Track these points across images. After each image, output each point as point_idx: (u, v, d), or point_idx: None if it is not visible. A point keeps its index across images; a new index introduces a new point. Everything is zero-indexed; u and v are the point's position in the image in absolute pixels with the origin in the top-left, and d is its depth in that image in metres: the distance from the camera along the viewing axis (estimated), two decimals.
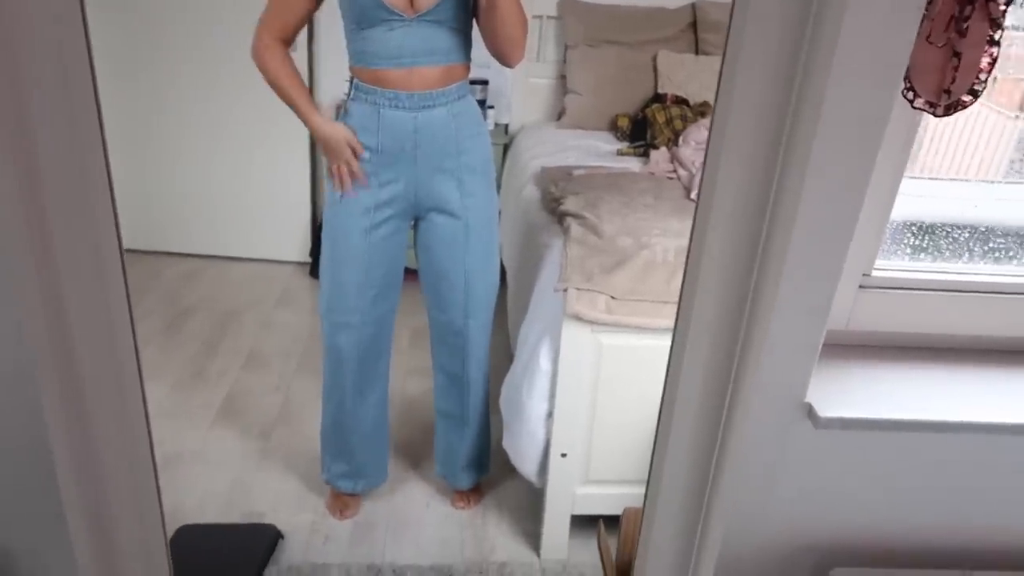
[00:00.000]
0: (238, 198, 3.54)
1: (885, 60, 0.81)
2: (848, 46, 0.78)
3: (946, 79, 0.87)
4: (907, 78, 0.89)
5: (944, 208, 1.26)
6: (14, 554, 1.05)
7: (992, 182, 1.62)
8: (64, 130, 0.83)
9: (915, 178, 1.39)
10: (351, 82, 1.85)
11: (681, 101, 3.16)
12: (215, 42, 3.26)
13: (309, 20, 1.86)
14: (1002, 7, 0.83)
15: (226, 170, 3.49)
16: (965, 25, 0.83)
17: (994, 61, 0.86)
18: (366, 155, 1.83)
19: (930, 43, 0.85)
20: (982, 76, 0.87)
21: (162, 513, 1.21)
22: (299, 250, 3.62)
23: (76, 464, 1.01)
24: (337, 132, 1.82)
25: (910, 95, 0.90)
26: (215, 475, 2.32)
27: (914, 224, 1.19)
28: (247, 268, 3.58)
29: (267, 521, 2.15)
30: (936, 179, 1.49)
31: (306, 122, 1.85)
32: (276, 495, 2.26)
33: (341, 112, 1.90)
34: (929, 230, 1.20)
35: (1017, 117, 1.82)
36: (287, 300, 3.35)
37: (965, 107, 0.89)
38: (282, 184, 3.52)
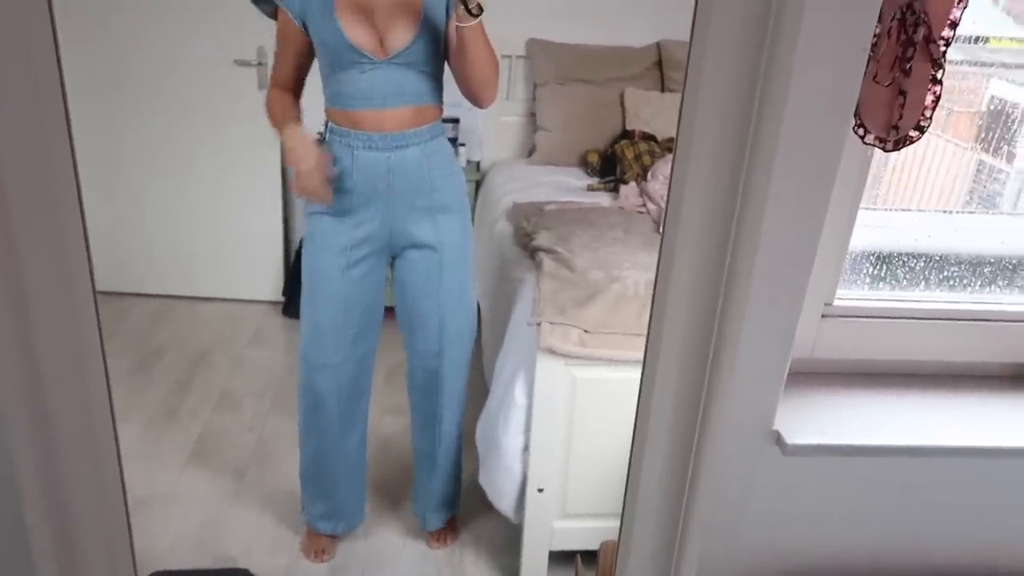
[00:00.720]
0: (208, 237, 3.53)
1: (836, 99, 0.85)
2: (800, 86, 0.82)
3: (894, 116, 0.91)
4: (857, 115, 0.93)
5: (902, 238, 1.31)
6: None
7: (949, 212, 1.68)
8: (38, 170, 0.84)
9: (873, 209, 1.44)
10: (326, 125, 1.88)
11: (649, 137, 3.23)
12: (184, 81, 3.28)
13: (306, 69, 1.91)
14: (942, 48, 0.88)
15: (196, 209, 3.48)
16: (908, 65, 0.88)
17: (937, 98, 0.90)
18: (335, 171, 1.84)
19: (877, 83, 0.90)
20: (927, 112, 0.91)
21: (133, 557, 1.20)
22: (271, 289, 3.61)
23: (46, 506, 1.00)
24: (304, 146, 1.79)
25: (861, 131, 0.94)
26: (187, 517, 2.28)
27: (873, 254, 1.23)
28: (218, 308, 3.56)
29: (240, 565, 2.12)
30: (894, 210, 1.54)
31: (280, 134, 1.86)
32: (250, 537, 2.23)
33: None
34: (887, 260, 1.24)
35: (972, 148, 1.89)
36: (260, 339, 3.33)
37: (913, 142, 0.93)
38: (254, 223, 3.52)
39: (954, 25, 0.88)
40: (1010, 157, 1.65)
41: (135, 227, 3.49)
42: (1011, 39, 1.80)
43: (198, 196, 3.46)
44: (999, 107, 1.71)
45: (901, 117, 0.92)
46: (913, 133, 0.94)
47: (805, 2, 0.79)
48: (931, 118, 0.92)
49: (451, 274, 1.95)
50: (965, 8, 0.87)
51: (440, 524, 2.22)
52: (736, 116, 0.86)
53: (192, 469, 2.49)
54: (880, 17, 0.87)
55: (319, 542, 2.18)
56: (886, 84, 0.90)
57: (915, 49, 0.87)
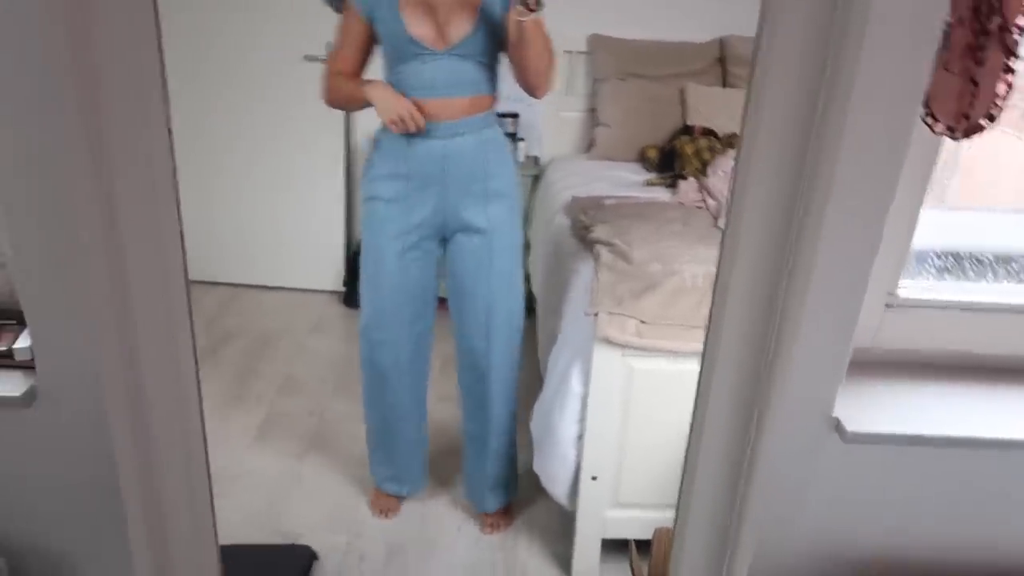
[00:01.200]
0: (273, 229, 3.64)
1: (904, 88, 0.86)
2: (868, 74, 0.83)
3: (964, 105, 0.91)
4: (927, 104, 0.93)
5: (973, 238, 1.29)
6: (76, 560, 1.10)
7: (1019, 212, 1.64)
8: (142, 171, 0.91)
9: (945, 208, 1.43)
10: None
11: (709, 133, 3.21)
12: (253, 76, 3.39)
13: (367, 61, 1.96)
14: (1016, 37, 0.87)
15: (262, 202, 3.60)
16: (981, 54, 0.88)
17: (1010, 87, 0.90)
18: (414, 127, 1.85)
19: (948, 71, 0.90)
20: (999, 102, 0.91)
21: (215, 529, 1.27)
22: (333, 279, 3.71)
23: (138, 475, 1.06)
24: (393, 92, 1.86)
25: (930, 120, 0.94)
26: (251, 497, 2.37)
27: (943, 252, 1.22)
28: (282, 296, 3.67)
29: (302, 542, 2.19)
30: (964, 210, 1.52)
31: (365, 93, 1.88)
32: (310, 517, 2.30)
33: (373, 145, 1.99)
34: (955, 255, 1.23)
35: None
36: (321, 327, 3.43)
37: (983, 131, 0.93)
38: (316, 215, 3.62)
39: None
40: None
41: (203, 217, 3.61)
42: None
43: (264, 189, 3.57)
44: None
45: (972, 106, 0.92)
46: (984, 122, 0.93)
47: None
48: (1003, 107, 0.92)
49: (501, 259, 2.02)
50: None
51: (496, 507, 2.27)
52: (802, 104, 0.87)
53: (257, 450, 2.59)
54: (953, 5, 0.87)
55: (386, 501, 2.32)
56: (957, 73, 0.90)
57: (988, 37, 0.87)
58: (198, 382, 1.08)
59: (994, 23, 0.86)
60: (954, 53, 0.89)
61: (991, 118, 0.93)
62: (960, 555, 1.15)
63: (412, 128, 1.85)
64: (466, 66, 1.86)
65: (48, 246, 0.92)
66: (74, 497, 1.05)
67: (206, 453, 1.15)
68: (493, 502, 2.26)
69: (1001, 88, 0.90)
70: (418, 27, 1.82)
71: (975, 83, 0.90)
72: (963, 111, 0.92)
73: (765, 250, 0.95)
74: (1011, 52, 0.87)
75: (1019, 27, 0.87)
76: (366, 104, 1.91)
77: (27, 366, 1.02)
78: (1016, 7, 0.85)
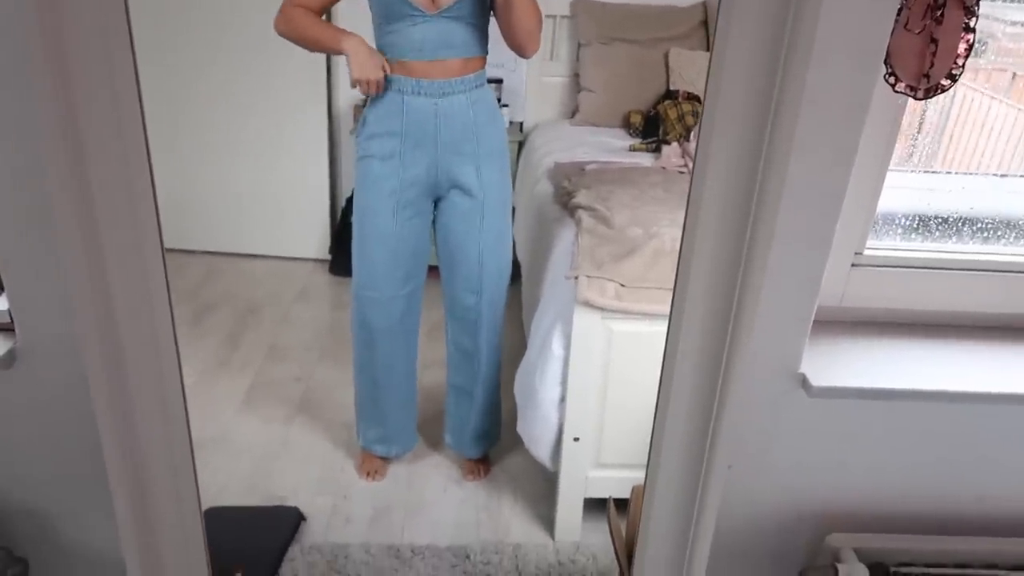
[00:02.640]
0: (258, 197, 3.63)
1: (864, 46, 0.87)
2: (827, 33, 0.84)
3: (925, 64, 0.92)
4: (888, 63, 0.95)
5: (952, 201, 1.31)
6: (58, 517, 1.13)
7: (1003, 175, 1.66)
8: (113, 141, 0.91)
9: (924, 172, 1.44)
10: None
11: (693, 97, 3.21)
12: (233, 43, 3.35)
13: (326, 8, 1.95)
14: None
15: (246, 170, 3.58)
16: (940, 13, 0.89)
17: (970, 47, 0.91)
18: (387, 77, 1.90)
19: (908, 30, 0.91)
20: (959, 61, 0.92)
21: (197, 487, 1.29)
22: (318, 247, 3.71)
23: (119, 435, 1.08)
24: (369, 49, 1.89)
25: (891, 79, 0.95)
26: (239, 460, 2.40)
27: (911, 214, 1.24)
28: (267, 265, 3.68)
29: (289, 504, 2.23)
30: (944, 173, 1.53)
31: (340, 44, 1.89)
32: (297, 480, 2.34)
33: (367, 104, 2.00)
34: (922, 216, 1.25)
35: None
36: (307, 295, 3.44)
37: (944, 90, 0.94)
38: (302, 183, 3.61)
39: None
40: None
41: (187, 186, 3.60)
42: None
43: (247, 157, 3.56)
44: None
45: (933, 65, 0.93)
46: (945, 82, 0.95)
47: None
48: (963, 66, 0.93)
49: (491, 217, 2.06)
50: None
51: (479, 453, 2.36)
52: (764, 63, 0.88)
53: (244, 415, 2.61)
54: None
55: (373, 463, 2.36)
56: (917, 32, 0.91)
57: None
58: (175, 341, 1.10)
59: None
60: (914, 12, 0.90)
61: (952, 77, 0.94)
62: (923, 505, 1.19)
63: (372, 92, 1.90)
64: (456, 27, 1.88)
65: (22, 210, 0.93)
66: (56, 457, 1.08)
67: (186, 411, 1.17)
68: (476, 449, 2.35)
69: (961, 47, 0.92)
70: None
71: (935, 42, 0.91)
72: (923, 70, 0.93)
73: (729, 210, 0.97)
74: (970, 11, 0.89)
75: None
76: (333, 52, 1.93)
77: (6, 328, 1.04)
78: None
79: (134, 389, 1.08)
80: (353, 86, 1.92)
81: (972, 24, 0.90)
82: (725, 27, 0.87)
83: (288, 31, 1.93)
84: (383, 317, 2.13)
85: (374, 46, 1.95)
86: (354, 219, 2.08)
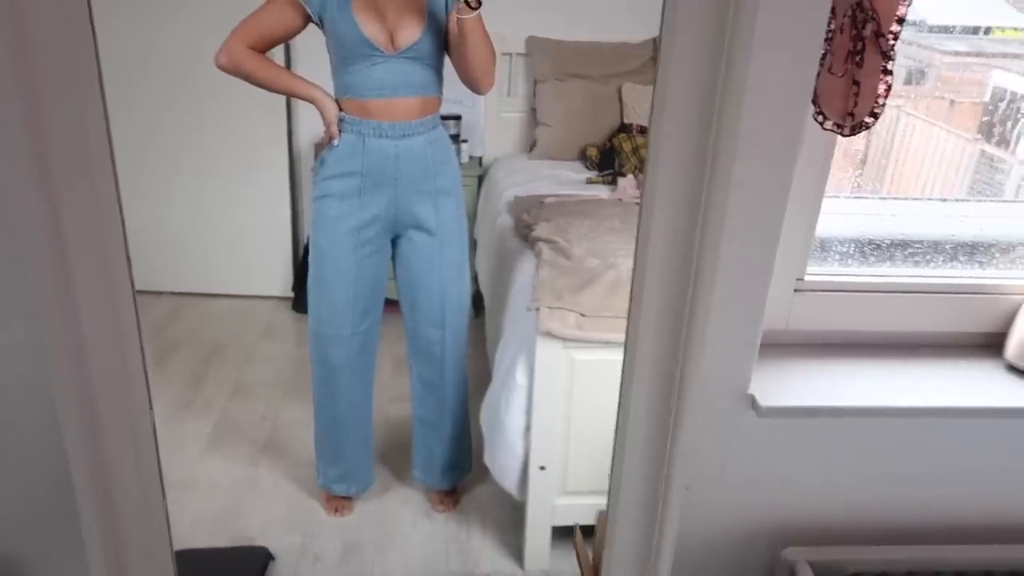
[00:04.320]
0: (220, 236, 3.63)
1: (793, 89, 0.94)
2: (758, 78, 0.91)
3: (849, 104, 1.00)
4: (817, 104, 1.02)
5: (898, 226, 1.39)
6: (29, 563, 1.13)
7: (944, 200, 1.76)
8: (83, 178, 0.94)
9: (869, 198, 1.53)
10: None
11: (646, 130, 3.31)
12: (194, 84, 3.37)
13: (282, 44, 2.02)
14: (891, 42, 0.96)
15: (208, 209, 3.58)
16: (860, 58, 0.97)
17: (888, 87, 0.99)
18: (335, 144, 1.98)
19: (832, 74, 0.99)
20: (880, 101, 1.00)
21: (169, 530, 1.30)
22: (281, 285, 3.72)
23: (91, 479, 1.09)
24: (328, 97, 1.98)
25: (820, 118, 1.03)
26: (205, 502, 2.39)
27: (846, 240, 1.32)
28: (230, 304, 3.67)
29: (257, 544, 2.22)
30: (881, 198, 1.62)
31: (306, 91, 1.97)
32: (265, 519, 2.33)
33: (324, 145, 2.04)
34: (856, 241, 1.33)
35: (976, 139, 1.96)
36: (271, 333, 3.44)
37: (868, 127, 1.02)
38: (263, 221, 3.62)
39: (901, 20, 0.96)
40: (1013, 147, 1.71)
41: (149, 226, 3.58)
42: (1014, 29, 1.86)
43: (209, 197, 3.56)
44: (1002, 97, 1.78)
45: (856, 105, 1.01)
46: (868, 119, 1.03)
47: (760, 1, 0.88)
48: (884, 105, 1.01)
49: (450, 252, 2.12)
50: (910, 5, 0.96)
51: (451, 484, 2.39)
52: (700, 107, 0.94)
53: (209, 457, 2.60)
54: (833, 13, 0.96)
55: (337, 501, 2.37)
56: (840, 75, 0.99)
57: (865, 43, 0.96)
58: (148, 387, 1.12)
59: (869, 29, 0.95)
60: (837, 57, 0.98)
61: (874, 115, 1.02)
62: (872, 516, 1.25)
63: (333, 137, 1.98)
64: (415, 68, 1.94)
65: None
66: (28, 502, 1.08)
67: (158, 457, 1.18)
68: (447, 481, 2.38)
69: (880, 88, 1.00)
70: (370, 29, 1.88)
71: (857, 84, 0.99)
72: (848, 110, 1.01)
73: (675, 242, 1.03)
74: (886, 55, 0.97)
75: (892, 33, 0.96)
76: (297, 96, 2.00)
77: None
78: (888, 14, 0.94)
79: (106, 432, 1.09)
80: (327, 134, 1.97)
81: (889, 67, 0.98)
82: (664, 71, 0.93)
83: (236, 70, 1.94)
84: (342, 354, 2.15)
85: (333, 88, 2.00)
86: (311, 258, 2.11)
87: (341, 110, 1.98)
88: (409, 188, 2.02)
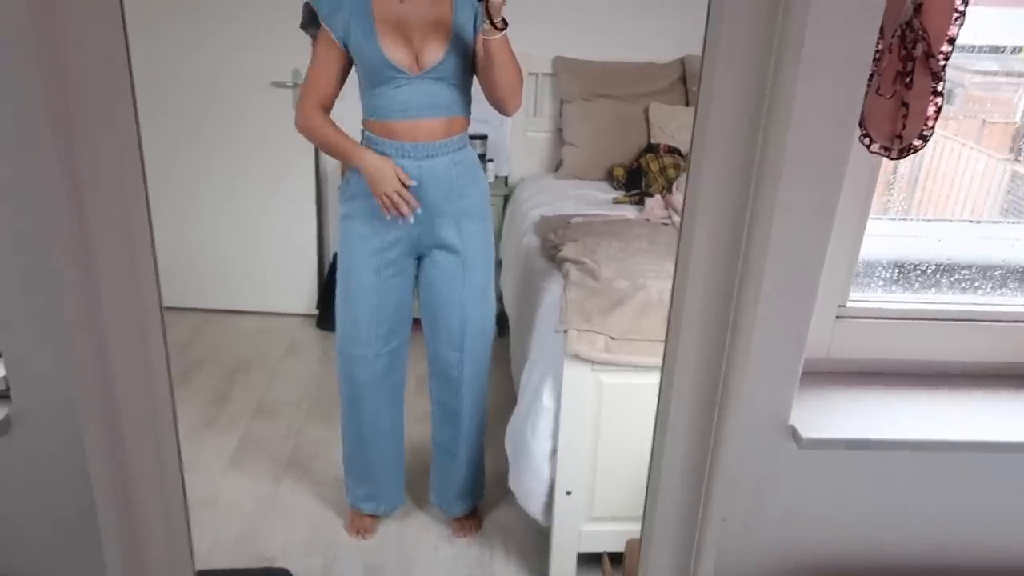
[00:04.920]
0: (246, 253, 3.65)
1: (839, 112, 0.91)
2: (804, 100, 0.88)
3: (897, 126, 0.97)
4: (863, 126, 0.99)
5: (932, 248, 1.35)
6: None
7: (976, 221, 1.71)
8: (115, 198, 0.93)
9: (905, 219, 1.49)
10: (363, 134, 2.00)
11: (673, 151, 3.29)
12: (222, 103, 3.41)
13: (343, 81, 2.00)
14: (942, 63, 0.93)
15: (234, 226, 3.60)
16: (909, 79, 0.94)
17: (939, 109, 0.96)
18: (413, 183, 1.95)
19: (880, 95, 0.96)
20: (929, 123, 0.97)
21: (192, 554, 1.28)
22: (306, 302, 3.72)
23: (115, 501, 1.08)
24: (385, 163, 1.94)
25: (867, 141, 1.00)
26: (226, 522, 2.37)
27: (899, 264, 1.28)
28: (255, 321, 3.67)
29: (279, 565, 2.19)
30: (921, 220, 1.58)
31: (357, 161, 1.96)
32: (287, 540, 2.31)
33: (349, 168, 2.03)
34: (905, 266, 1.29)
35: (1006, 159, 1.91)
36: (295, 351, 3.43)
37: (917, 150, 0.99)
38: (289, 239, 3.63)
39: (952, 41, 0.93)
40: None
41: (175, 243, 3.61)
42: None
43: (236, 214, 3.58)
44: None
45: (904, 127, 0.98)
46: (917, 142, 1.00)
47: (808, 21, 0.86)
48: (933, 127, 0.98)
49: (473, 275, 2.09)
50: (962, 25, 0.93)
51: (463, 511, 2.35)
52: (745, 128, 0.92)
53: (231, 475, 2.58)
54: (881, 34, 0.93)
55: (362, 521, 2.34)
56: (888, 96, 0.96)
57: (915, 63, 0.93)
58: (174, 408, 1.10)
59: (919, 50, 0.92)
60: (885, 78, 0.95)
61: (923, 138, 0.99)
62: (916, 554, 1.20)
63: (404, 212, 1.94)
64: (440, 88, 1.93)
65: (21, 273, 0.94)
66: (51, 524, 1.07)
67: (182, 478, 1.17)
68: (461, 506, 2.34)
69: (930, 110, 0.96)
70: (394, 52, 1.87)
71: (906, 105, 0.96)
72: (896, 132, 0.98)
73: (717, 266, 1.00)
74: (937, 76, 0.94)
75: (943, 53, 0.93)
76: (350, 163, 1.98)
77: (2, 395, 1.04)
78: (939, 34, 0.91)
79: (131, 454, 1.08)
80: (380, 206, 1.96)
81: (940, 88, 0.95)
82: (707, 91, 0.91)
83: (310, 135, 2.00)
84: (367, 374, 2.13)
85: (361, 108, 1.98)
86: (338, 277, 2.10)
87: (367, 130, 1.98)
88: (433, 209, 2.00)
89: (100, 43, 0.89)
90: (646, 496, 1.25)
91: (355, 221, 2.02)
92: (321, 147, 2.04)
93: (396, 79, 1.90)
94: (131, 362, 1.01)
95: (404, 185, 1.93)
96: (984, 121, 2.08)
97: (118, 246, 0.96)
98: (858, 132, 0.99)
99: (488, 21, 1.80)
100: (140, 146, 0.95)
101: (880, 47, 0.94)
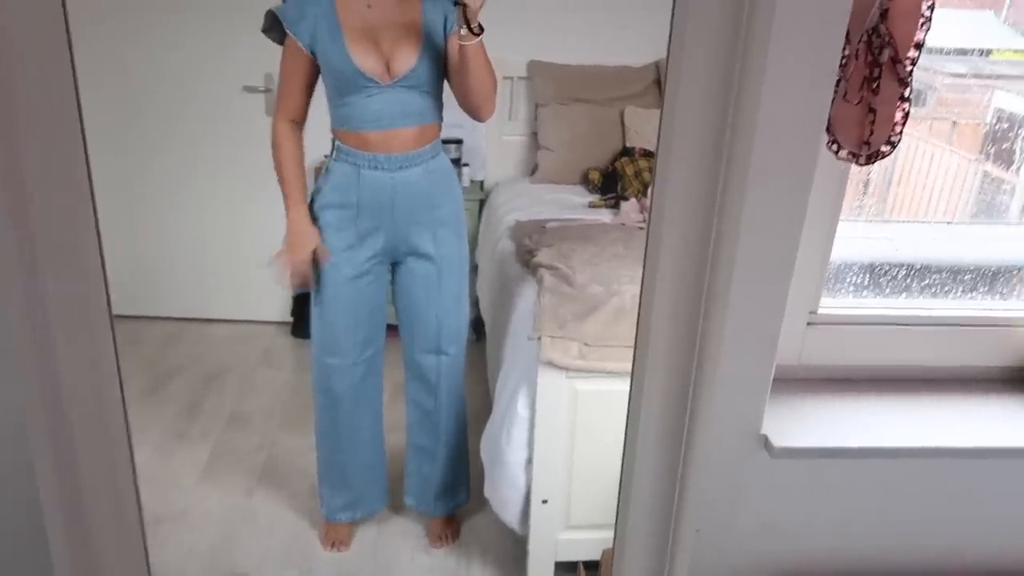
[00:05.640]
0: (219, 260, 3.59)
1: (806, 118, 0.90)
2: (770, 106, 0.87)
3: (864, 132, 0.96)
4: (831, 132, 0.98)
5: (902, 250, 1.34)
6: None
7: (949, 223, 1.71)
8: (59, 199, 0.90)
9: (873, 222, 1.48)
10: (333, 143, 1.97)
11: (649, 154, 3.29)
12: (193, 109, 3.36)
13: (312, 94, 1.97)
14: (908, 68, 0.93)
15: (206, 233, 3.55)
16: (876, 85, 0.93)
17: (906, 115, 0.95)
18: (330, 259, 1.98)
19: (847, 101, 0.95)
20: (897, 129, 0.96)
21: (149, 573, 1.24)
22: (280, 310, 3.67)
23: (66, 524, 1.04)
24: (305, 233, 1.97)
25: (834, 147, 0.99)
26: (199, 536, 2.32)
27: (869, 266, 1.27)
28: (228, 329, 3.62)
29: None
30: (886, 222, 1.58)
31: (288, 211, 1.99)
32: (261, 553, 2.27)
33: (322, 172, 2.00)
34: (875, 270, 1.28)
35: (977, 160, 1.92)
36: (269, 359, 3.38)
37: (884, 156, 0.98)
38: (262, 246, 3.57)
39: (919, 46, 0.92)
40: (1016, 168, 1.67)
41: (146, 252, 3.56)
42: (1014, 51, 1.83)
43: (207, 220, 3.53)
44: (1004, 118, 1.75)
45: (872, 133, 0.97)
46: (885, 148, 0.99)
47: (773, 27, 0.84)
48: (901, 133, 0.97)
49: (448, 282, 2.07)
50: (928, 31, 0.92)
51: (445, 511, 2.32)
52: (711, 135, 0.91)
53: (204, 488, 2.54)
54: (848, 39, 0.92)
55: (338, 533, 2.30)
56: (856, 102, 0.95)
57: (881, 69, 0.92)
58: (127, 422, 1.07)
59: (886, 55, 0.91)
60: (852, 84, 0.94)
61: (891, 144, 0.98)
62: (890, 564, 1.19)
63: (295, 284, 2.01)
64: (412, 96, 1.89)
65: None
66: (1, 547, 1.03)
67: (137, 494, 1.13)
68: (442, 507, 2.31)
69: (898, 115, 0.95)
70: (364, 59, 1.83)
71: (873, 111, 0.95)
72: (864, 138, 0.97)
73: (685, 274, 0.99)
74: (904, 82, 0.93)
75: (910, 58, 0.92)
76: (284, 200, 2.02)
77: None
78: (905, 40, 0.91)
79: (83, 471, 1.04)
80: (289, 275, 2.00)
81: (907, 94, 0.94)
82: (672, 99, 0.89)
83: (275, 159, 2.00)
84: (345, 383, 2.11)
85: (329, 117, 1.95)
86: (312, 288, 2.07)
87: (338, 140, 1.95)
88: (407, 219, 1.98)
89: (41, 42, 0.86)
90: (618, 507, 1.23)
91: (329, 231, 1.99)
92: (276, 171, 2.01)
93: (368, 88, 1.86)
94: (80, 375, 0.98)
95: (315, 262, 1.97)
96: (955, 123, 2.10)
97: (64, 256, 0.93)
98: (826, 138, 0.98)
99: (465, 26, 1.77)
100: (85, 144, 0.91)
101: (847, 53, 0.93)
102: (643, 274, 1.01)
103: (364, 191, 1.93)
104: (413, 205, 1.97)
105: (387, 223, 1.97)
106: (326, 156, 2.02)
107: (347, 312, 2.04)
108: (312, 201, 2.03)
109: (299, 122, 1.98)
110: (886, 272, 1.26)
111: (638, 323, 1.05)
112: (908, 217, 1.95)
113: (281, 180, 1.99)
